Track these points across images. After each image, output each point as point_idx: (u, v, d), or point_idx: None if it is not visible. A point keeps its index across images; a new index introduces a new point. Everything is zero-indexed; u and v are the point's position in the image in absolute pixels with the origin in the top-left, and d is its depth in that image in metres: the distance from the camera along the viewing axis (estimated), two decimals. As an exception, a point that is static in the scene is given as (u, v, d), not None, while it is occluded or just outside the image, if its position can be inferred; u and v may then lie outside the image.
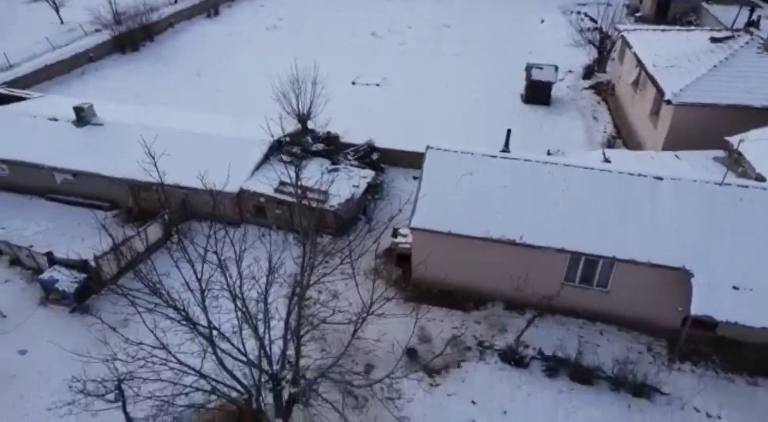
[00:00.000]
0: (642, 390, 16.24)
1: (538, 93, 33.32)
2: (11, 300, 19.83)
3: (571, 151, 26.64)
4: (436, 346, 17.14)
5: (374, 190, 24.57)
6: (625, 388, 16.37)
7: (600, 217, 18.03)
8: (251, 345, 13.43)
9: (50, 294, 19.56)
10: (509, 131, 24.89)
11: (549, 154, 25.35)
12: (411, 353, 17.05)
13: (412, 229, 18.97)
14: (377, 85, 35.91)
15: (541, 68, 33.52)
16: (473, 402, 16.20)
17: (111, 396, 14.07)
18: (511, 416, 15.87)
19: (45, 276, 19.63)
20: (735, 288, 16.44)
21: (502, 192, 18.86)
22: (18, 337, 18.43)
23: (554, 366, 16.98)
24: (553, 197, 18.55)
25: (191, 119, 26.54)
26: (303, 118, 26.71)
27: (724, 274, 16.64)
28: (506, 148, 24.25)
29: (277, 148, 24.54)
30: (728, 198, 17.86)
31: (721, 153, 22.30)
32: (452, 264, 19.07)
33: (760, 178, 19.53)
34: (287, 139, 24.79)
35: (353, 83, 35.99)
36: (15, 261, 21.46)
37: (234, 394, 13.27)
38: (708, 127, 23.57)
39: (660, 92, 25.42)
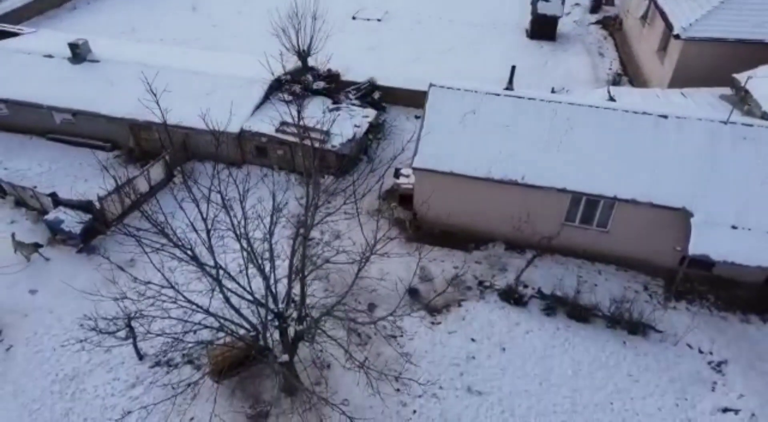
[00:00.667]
0: (637, 328, 16.67)
1: (543, 28, 32.30)
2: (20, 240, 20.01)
3: (576, 89, 26.12)
4: (438, 285, 17.46)
5: (376, 129, 24.29)
6: (620, 326, 16.79)
7: (602, 157, 17.91)
8: (257, 284, 13.66)
9: (56, 235, 19.72)
10: (513, 68, 24.29)
11: (553, 91, 24.83)
12: (413, 292, 17.38)
13: (414, 169, 18.90)
14: (378, 20, 34.79)
15: (548, 1, 32.33)
16: (473, 340, 16.67)
17: (122, 334, 14.51)
18: (509, 352, 16.37)
19: (50, 217, 19.72)
20: (734, 227, 16.56)
21: (505, 131, 18.65)
22: (27, 277, 18.73)
23: (552, 304, 17.35)
24: (555, 136, 18.36)
25: (189, 57, 25.89)
26: (303, 55, 26.02)
27: (723, 214, 16.72)
28: (510, 85, 23.74)
29: (277, 87, 24.07)
30: (732, 136, 17.68)
31: (728, 90, 21.85)
32: (454, 205, 19.13)
33: (765, 116, 19.24)
34: (288, 77, 24.27)
35: (353, 18, 34.85)
36: (20, 202, 21.50)
37: (241, 332, 13.63)
38: (716, 64, 22.99)
39: (669, 26, 24.62)
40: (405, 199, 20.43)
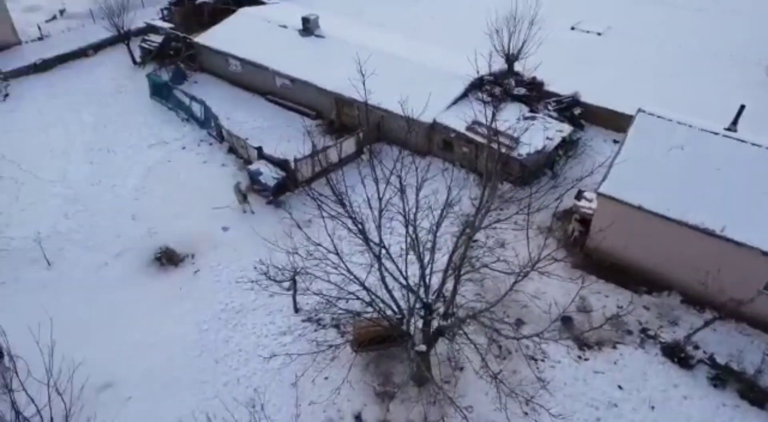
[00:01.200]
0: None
1: (793, 68, 28.20)
2: (225, 183, 22.77)
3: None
4: (595, 320, 16.44)
5: (568, 146, 23.31)
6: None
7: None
8: (413, 271, 14.04)
9: (254, 184, 22.14)
10: (742, 107, 21.66)
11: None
12: (566, 320, 16.57)
13: (599, 195, 17.86)
14: (599, 34, 33.11)
15: (807, 39, 28.13)
16: (620, 387, 15.44)
17: (286, 285, 15.96)
18: (658, 413, 14.87)
19: (253, 167, 22.24)
20: None
21: (713, 175, 16.81)
22: (222, 216, 21.30)
23: (724, 377, 15.33)
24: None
25: (401, 44, 27.10)
26: (511, 59, 25.80)
27: None
28: (733, 126, 21.24)
29: (477, 86, 24.21)
30: None
31: None
32: (633, 240, 17.73)
33: None
34: (490, 78, 24.27)
35: (572, 29, 33.57)
36: (232, 149, 24.55)
37: (388, 312, 14.15)
38: None
39: None
40: (582, 222, 19.40)
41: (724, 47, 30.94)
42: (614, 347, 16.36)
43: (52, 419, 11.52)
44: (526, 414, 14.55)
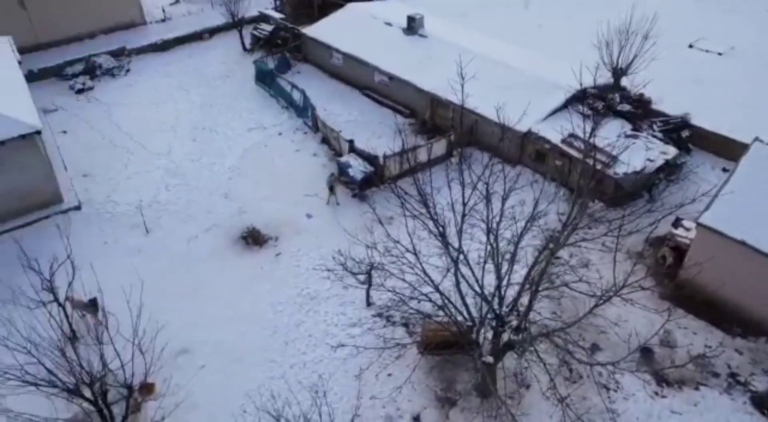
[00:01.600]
0: None
1: None
2: (314, 172, 23.50)
3: None
4: (678, 357, 15.49)
5: (670, 169, 22.04)
6: None
7: None
8: (489, 280, 13.87)
9: (342, 176, 22.66)
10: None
11: None
12: (646, 352, 15.73)
13: (699, 225, 16.81)
14: (719, 53, 30.96)
15: None
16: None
17: (361, 278, 16.23)
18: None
19: (343, 159, 22.77)
20: None
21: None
22: (307, 204, 21.98)
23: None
24: None
25: (505, 50, 26.72)
26: (618, 73, 24.75)
27: None
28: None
29: (579, 99, 23.42)
30: None
31: None
32: (732, 277, 16.49)
33: None
34: (593, 90, 23.41)
35: (690, 46, 31.62)
36: (325, 140, 25.24)
37: (459, 318, 14.06)
38: None
39: None
40: (676, 252, 18.32)
41: None
42: (697, 388, 15.35)
43: (133, 374, 12.44)
44: (590, 443, 14.02)
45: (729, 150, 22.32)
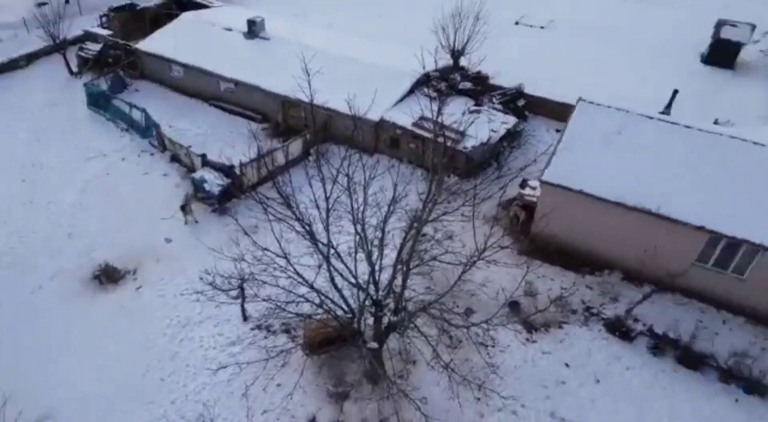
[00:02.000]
0: (756, 387, 15.21)
1: (722, 54, 29.62)
2: (167, 193, 22.45)
3: (744, 124, 23.78)
4: (541, 303, 17.12)
5: (512, 137, 24.07)
6: (736, 382, 15.43)
7: (756, 199, 16.43)
8: (363, 269, 14.36)
9: (198, 193, 21.99)
10: (675, 92, 22.88)
11: (716, 123, 22.94)
12: (513, 305, 17.22)
13: (542, 183, 18.58)
14: (542, 27, 34.04)
15: (735, 26, 29.63)
16: (567, 365, 16.20)
17: (234, 293, 15.91)
18: (603, 385, 15.69)
19: (197, 175, 22.04)
20: None
21: (649, 157, 17.74)
22: (165, 228, 21.04)
23: (662, 345, 16.32)
24: (705, 170, 17.16)
25: (348, 43, 27.25)
26: (456, 54, 26.43)
27: None
28: (667, 110, 22.40)
29: (424, 82, 24.71)
30: None
31: None
32: (576, 224, 18.54)
33: None
34: (436, 73, 24.81)
35: (516, 23, 34.43)
36: (174, 158, 24.27)
37: (339, 312, 14.44)
38: None
39: None
40: (526, 210, 20.14)
41: (661, 37, 32.17)
42: (560, 327, 17.13)
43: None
44: (478, 399, 15.13)
45: (559, 112, 24.67)
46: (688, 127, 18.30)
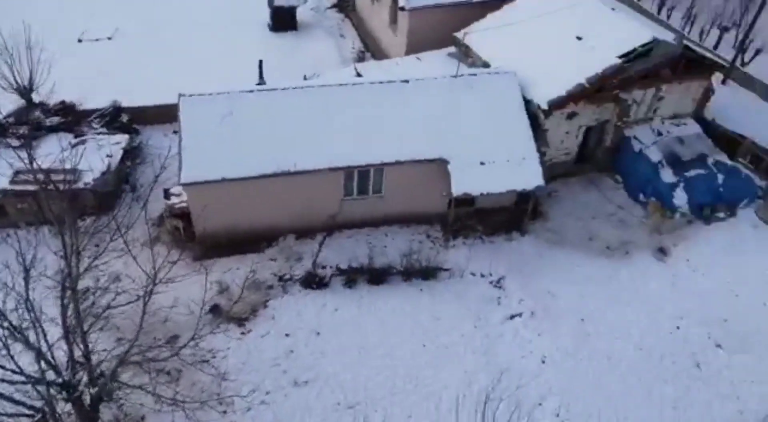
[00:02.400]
0: (428, 273, 18.32)
1: (283, 19, 32.79)
2: None
3: (326, 72, 27.13)
4: (237, 294, 17.13)
5: (133, 154, 22.77)
6: (414, 276, 18.29)
7: (362, 129, 18.99)
8: (28, 358, 12.13)
9: None
10: (261, 62, 24.52)
11: (305, 78, 25.60)
12: (214, 309, 16.89)
13: (184, 185, 18.18)
14: (109, 38, 32.16)
15: (283, -7, 32.98)
16: (287, 335, 16.81)
17: None
18: (324, 334, 16.85)
19: None
20: (482, 163, 18.85)
21: (267, 125, 18.75)
22: None
23: (352, 277, 18.22)
24: (316, 120, 18.97)
25: None
26: (25, 92, 23.26)
27: (471, 154, 18.91)
28: (261, 80, 23.92)
29: (1, 133, 21.23)
30: (464, 87, 19.97)
31: (453, 49, 24.53)
32: (234, 210, 18.86)
33: (486, 65, 22.06)
34: (11, 119, 21.52)
35: (80, 41, 31.81)
36: None
37: (24, 420, 12.00)
38: (441, 27, 25.51)
39: (394, 0, 26.77)
40: (182, 217, 19.57)
41: (229, 17, 33.55)
42: (266, 306, 17.57)
43: None
44: (225, 412, 14.67)
45: (169, 114, 23.74)
46: (285, 88, 19.86)
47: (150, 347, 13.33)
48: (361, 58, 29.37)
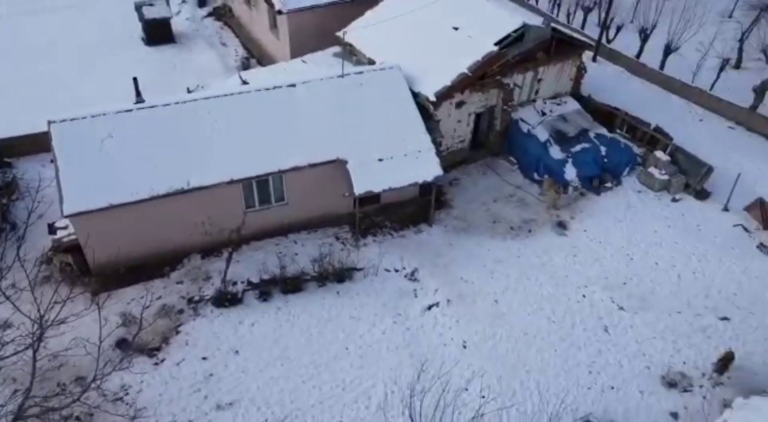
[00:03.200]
0: (343, 275, 18.30)
1: (158, 32, 31.53)
2: None
3: (210, 83, 26.41)
4: (147, 324, 16.28)
5: (7, 191, 20.98)
6: (329, 280, 18.21)
7: (255, 138, 18.66)
8: None
9: None
10: (135, 80, 23.33)
11: (189, 91, 24.76)
12: (121, 343, 15.98)
13: (68, 217, 17.01)
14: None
15: (152, 5, 31.67)
16: (204, 358, 16.19)
17: None
18: (244, 352, 16.38)
19: None
20: (380, 160, 19.10)
21: (152, 144, 17.98)
22: None
23: (265, 289, 17.84)
24: (205, 133, 18.43)
25: None
26: None
27: (368, 151, 19.11)
28: (139, 97, 22.80)
29: None
30: (353, 85, 20.15)
31: (337, 48, 24.68)
32: (130, 236, 17.89)
33: (371, 62, 22.36)
34: None
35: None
36: None
37: None
38: (322, 27, 25.64)
39: (270, 4, 26.51)
40: (72, 252, 18.28)
41: (101, 35, 31.67)
42: (177, 332, 16.82)
43: None
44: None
45: (42, 144, 22.37)
46: (167, 104, 19.02)
47: (46, 396, 12.33)
48: (246, 66, 28.86)
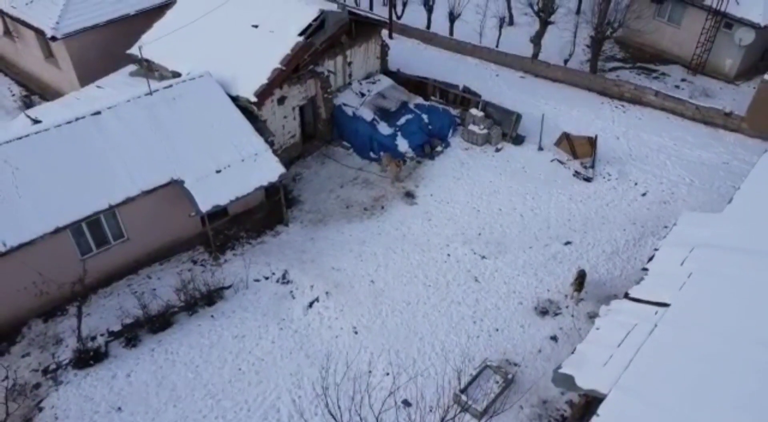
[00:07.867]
0: (212, 297, 17.93)
1: None
2: None
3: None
4: (-1, 412, 14.59)
5: None
6: (199, 305, 17.72)
7: (71, 176, 17.52)
8: None
9: None
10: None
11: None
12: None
13: None
14: None
15: None
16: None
17: None
18: (127, 407, 15.35)
19: None
20: (218, 172, 18.91)
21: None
22: None
23: (130, 335, 16.85)
24: (8, 184, 16.91)
25: None
26: None
27: (203, 166, 18.82)
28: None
29: None
30: (165, 101, 19.62)
31: (133, 67, 23.59)
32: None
33: (177, 75, 21.81)
34: None
35: None
36: None
37: None
38: (109, 48, 24.30)
39: (40, 32, 24.43)
40: None
41: None
42: (41, 409, 15.18)
43: None
44: None
45: None
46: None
47: None
48: (29, 104, 26.27)
